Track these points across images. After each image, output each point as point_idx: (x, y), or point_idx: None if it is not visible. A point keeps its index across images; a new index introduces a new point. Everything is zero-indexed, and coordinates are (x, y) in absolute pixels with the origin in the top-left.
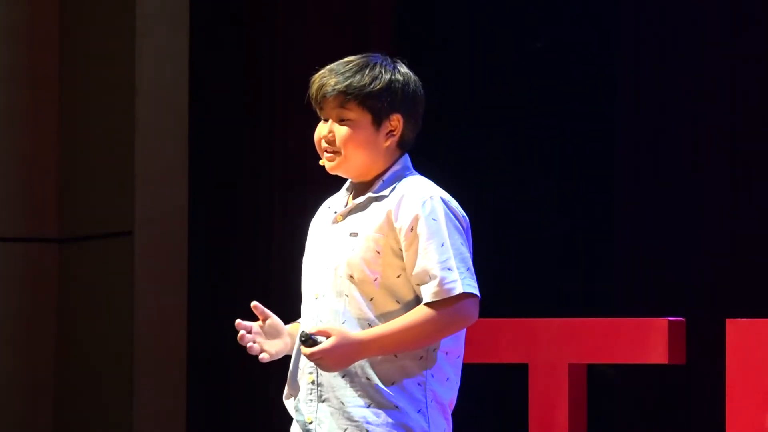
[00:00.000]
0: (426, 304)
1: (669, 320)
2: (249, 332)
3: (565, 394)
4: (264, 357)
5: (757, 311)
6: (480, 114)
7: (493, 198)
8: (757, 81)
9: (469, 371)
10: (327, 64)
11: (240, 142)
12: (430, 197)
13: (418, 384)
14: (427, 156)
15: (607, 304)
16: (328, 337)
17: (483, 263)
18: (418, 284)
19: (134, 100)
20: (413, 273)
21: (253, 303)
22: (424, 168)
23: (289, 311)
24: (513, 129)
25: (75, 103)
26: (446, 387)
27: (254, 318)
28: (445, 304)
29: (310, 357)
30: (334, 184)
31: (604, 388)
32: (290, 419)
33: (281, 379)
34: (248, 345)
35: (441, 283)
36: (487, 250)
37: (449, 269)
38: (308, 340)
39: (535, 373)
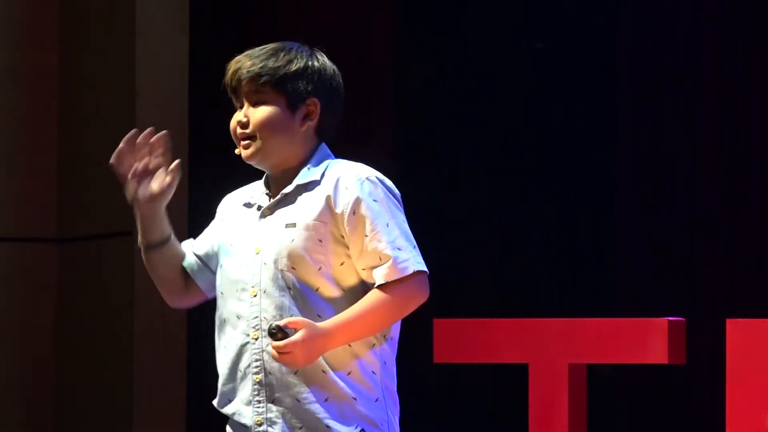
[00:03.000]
0: (379, 287)
1: (669, 320)
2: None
3: (565, 394)
4: (131, 188)
5: (757, 311)
6: (480, 114)
7: (492, 198)
8: (757, 81)
9: (469, 371)
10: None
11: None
12: (366, 177)
13: (372, 372)
14: (427, 153)
15: (607, 304)
16: (297, 330)
17: (483, 264)
18: (367, 267)
19: (134, 100)
20: (362, 256)
21: (162, 133)
22: (424, 165)
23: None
24: (513, 128)
25: (75, 103)
26: (393, 374)
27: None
28: (399, 283)
29: (281, 350)
30: None
31: (604, 388)
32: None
33: None
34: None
35: (394, 264)
36: (487, 251)
37: (399, 248)
38: (279, 332)
39: (535, 373)
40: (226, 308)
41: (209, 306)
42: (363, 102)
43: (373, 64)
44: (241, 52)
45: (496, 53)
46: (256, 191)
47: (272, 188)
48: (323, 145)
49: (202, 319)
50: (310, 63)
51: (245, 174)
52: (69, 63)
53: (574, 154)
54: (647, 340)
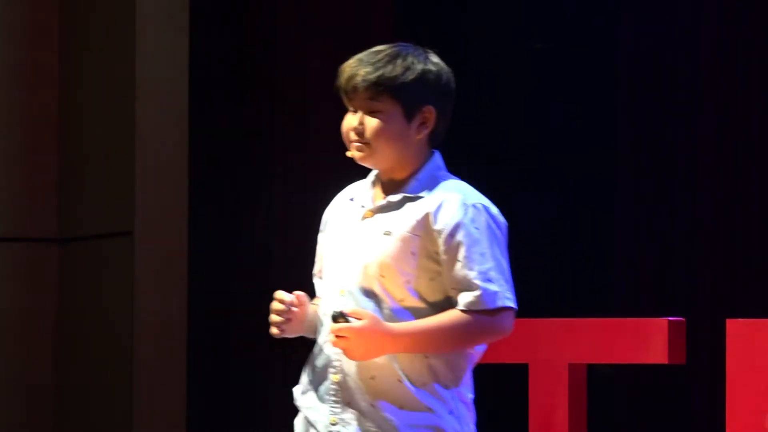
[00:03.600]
0: (462, 311)
1: (669, 320)
2: (283, 305)
3: (565, 394)
4: (275, 332)
5: (757, 311)
6: (480, 113)
7: (492, 198)
8: (757, 81)
9: None
10: (327, 63)
11: (240, 142)
12: (473, 204)
13: (447, 386)
14: None
15: (607, 304)
16: (361, 320)
17: None
18: (455, 289)
19: (134, 100)
20: (451, 280)
21: (297, 292)
22: None
23: None
24: (513, 128)
25: (75, 103)
26: (469, 386)
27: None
28: (482, 314)
29: (337, 333)
30: (335, 184)
31: (604, 388)
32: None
33: (281, 379)
34: (274, 319)
35: (481, 295)
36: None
37: (490, 281)
38: (340, 317)
39: (535, 373)
40: (323, 305)
41: (209, 306)
42: None
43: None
44: (240, 51)
45: (496, 53)
46: (363, 187)
47: (380, 189)
48: (436, 155)
49: (203, 319)
50: (426, 68)
51: (245, 174)
52: (69, 63)
53: (574, 154)
54: (647, 340)
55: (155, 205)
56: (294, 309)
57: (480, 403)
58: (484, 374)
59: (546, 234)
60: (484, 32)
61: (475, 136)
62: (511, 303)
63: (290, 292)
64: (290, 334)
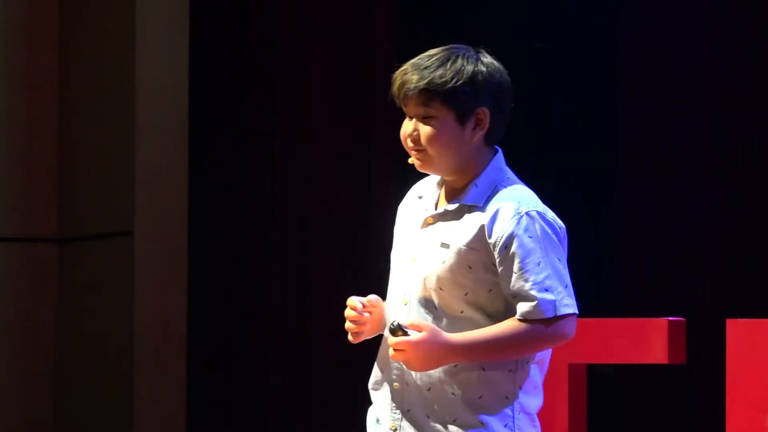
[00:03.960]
0: (520, 320)
1: (669, 320)
2: (358, 309)
3: (565, 394)
4: (351, 339)
5: (757, 311)
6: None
7: None
8: (758, 81)
9: None
10: (327, 63)
11: (240, 142)
12: (526, 212)
13: (506, 398)
14: None
15: (607, 304)
16: (419, 332)
17: None
18: (514, 299)
19: (134, 100)
20: (509, 291)
21: (372, 296)
22: None
23: (291, 310)
24: (513, 128)
25: (75, 103)
26: (533, 396)
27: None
28: (541, 321)
29: (395, 347)
30: (337, 185)
31: (604, 388)
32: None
33: (281, 380)
34: (349, 326)
35: (539, 305)
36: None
37: (547, 290)
38: (398, 330)
39: None
40: (387, 309)
41: (209, 306)
42: (363, 102)
43: (373, 64)
44: (240, 51)
45: (496, 53)
46: (431, 186)
47: (444, 192)
48: (498, 157)
49: (203, 319)
50: (477, 70)
51: (245, 174)
52: (69, 63)
53: (574, 154)
54: (647, 340)
55: (155, 205)
56: (366, 315)
57: None
58: None
59: None
60: (484, 32)
61: None
62: (570, 309)
63: (289, 291)
64: (368, 336)
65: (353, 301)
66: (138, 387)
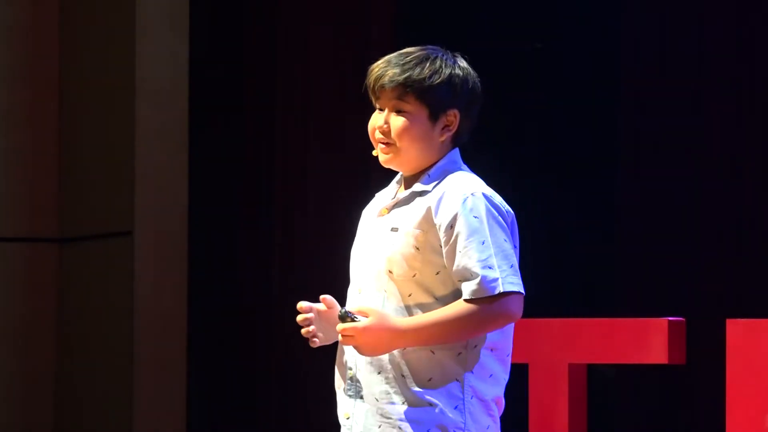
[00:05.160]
0: (466, 300)
1: (669, 320)
2: (308, 312)
3: (565, 394)
4: (315, 341)
5: (757, 311)
6: (479, 113)
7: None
8: (759, 81)
9: None
10: (328, 64)
11: (240, 142)
12: (472, 194)
13: (456, 380)
14: None
15: (607, 304)
16: (366, 318)
17: None
18: (459, 281)
19: (134, 100)
20: (453, 270)
21: (323, 296)
22: None
23: (291, 311)
24: (513, 128)
25: (75, 103)
26: (489, 383)
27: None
28: (486, 300)
29: (343, 332)
30: (336, 183)
31: (604, 388)
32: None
33: (281, 380)
34: (310, 329)
35: (482, 282)
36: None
37: (490, 267)
38: (346, 317)
39: (535, 373)
40: (348, 298)
41: (208, 306)
42: (363, 102)
43: (373, 64)
44: (240, 51)
45: (496, 53)
46: (390, 186)
47: (402, 187)
48: (454, 152)
49: (202, 319)
50: (454, 73)
51: (245, 174)
52: (69, 63)
53: (574, 154)
54: (647, 340)
55: (155, 205)
56: (310, 315)
57: None
58: None
59: (546, 233)
60: (485, 32)
61: (474, 135)
62: (515, 287)
63: (289, 291)
64: (327, 342)
65: (300, 304)
66: (138, 387)
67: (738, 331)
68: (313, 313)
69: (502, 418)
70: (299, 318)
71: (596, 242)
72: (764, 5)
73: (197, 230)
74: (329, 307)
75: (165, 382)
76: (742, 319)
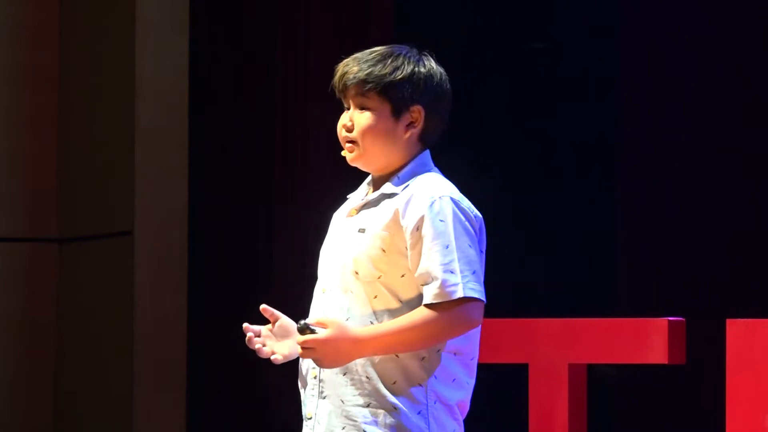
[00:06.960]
0: (426, 305)
1: (669, 320)
2: (257, 335)
3: (565, 394)
4: (277, 358)
5: (757, 311)
6: (480, 113)
7: (492, 198)
8: (759, 81)
9: None
10: (328, 64)
11: (240, 142)
12: (440, 197)
13: (419, 385)
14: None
15: (607, 304)
16: (325, 329)
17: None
18: (421, 285)
19: (134, 100)
20: (416, 274)
21: (262, 306)
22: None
23: (290, 311)
24: (513, 128)
25: (75, 103)
26: (452, 388)
27: (264, 320)
28: (446, 306)
29: (302, 345)
30: (336, 183)
31: (604, 388)
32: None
33: (281, 380)
34: (257, 347)
35: (442, 286)
36: (486, 251)
37: (452, 272)
38: (305, 329)
39: (535, 373)
40: (312, 300)
41: (209, 306)
42: None
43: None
44: (240, 51)
45: (496, 53)
46: (360, 188)
47: (371, 188)
48: (424, 154)
49: (202, 319)
50: (416, 70)
51: (245, 174)
52: (69, 63)
53: (574, 154)
54: (647, 340)
55: (155, 205)
56: (265, 328)
57: (480, 403)
58: (484, 374)
59: (546, 233)
60: (485, 32)
61: (475, 135)
62: (475, 294)
63: (289, 291)
64: (288, 351)
65: (244, 326)
66: (138, 387)
67: (738, 331)
68: (259, 332)
69: (503, 418)
70: (247, 340)
71: (596, 242)
72: (764, 6)
73: (197, 230)
74: (272, 319)
75: (165, 382)
76: (742, 319)
